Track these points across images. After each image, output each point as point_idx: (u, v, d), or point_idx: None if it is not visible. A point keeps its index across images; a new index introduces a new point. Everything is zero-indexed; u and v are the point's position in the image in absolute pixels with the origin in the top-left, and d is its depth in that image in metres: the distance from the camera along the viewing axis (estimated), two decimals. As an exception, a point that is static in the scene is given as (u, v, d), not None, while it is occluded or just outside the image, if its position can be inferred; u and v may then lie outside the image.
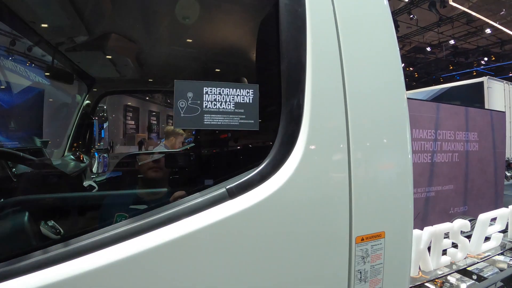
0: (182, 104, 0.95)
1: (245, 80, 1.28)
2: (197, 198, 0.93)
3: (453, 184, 6.69)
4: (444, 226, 3.02)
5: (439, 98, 11.43)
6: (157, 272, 0.84)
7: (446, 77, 20.81)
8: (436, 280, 2.83)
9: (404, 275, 1.22)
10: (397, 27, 12.38)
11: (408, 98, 1.28)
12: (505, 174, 11.09)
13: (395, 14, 12.13)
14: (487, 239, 3.53)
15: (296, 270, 1.00)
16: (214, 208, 0.91)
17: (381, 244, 1.11)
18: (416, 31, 15.56)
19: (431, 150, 6.10)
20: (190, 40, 1.86)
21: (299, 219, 0.99)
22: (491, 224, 3.54)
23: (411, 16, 12.71)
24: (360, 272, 1.09)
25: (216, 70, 1.78)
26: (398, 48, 1.23)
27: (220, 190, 0.94)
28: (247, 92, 1.01)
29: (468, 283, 2.81)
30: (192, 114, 0.96)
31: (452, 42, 16.50)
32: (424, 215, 5.87)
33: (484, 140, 7.45)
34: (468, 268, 3.04)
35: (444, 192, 6.48)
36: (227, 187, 0.94)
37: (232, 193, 0.94)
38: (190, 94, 0.96)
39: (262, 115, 1.02)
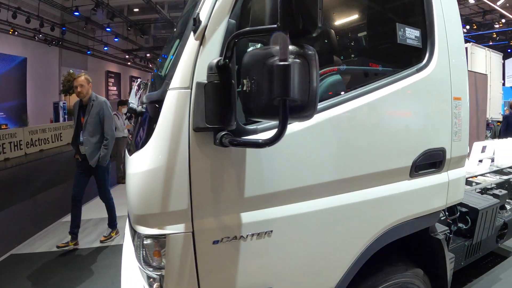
0: None
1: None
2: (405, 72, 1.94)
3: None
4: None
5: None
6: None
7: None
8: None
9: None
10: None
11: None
12: (486, 135, 12.30)
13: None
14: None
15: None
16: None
17: (460, 103, 2.05)
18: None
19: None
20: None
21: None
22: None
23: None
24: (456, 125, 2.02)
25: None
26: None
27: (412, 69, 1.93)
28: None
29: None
30: None
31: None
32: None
33: (469, 99, 8.38)
34: (468, 179, 4.04)
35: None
36: (417, 68, 1.93)
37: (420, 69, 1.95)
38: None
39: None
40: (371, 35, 2.15)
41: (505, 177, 4.11)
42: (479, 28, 20.04)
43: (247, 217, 1.50)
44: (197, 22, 1.39)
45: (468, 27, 19.42)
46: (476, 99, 8.76)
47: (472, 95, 8.55)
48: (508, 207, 3.77)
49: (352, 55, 2.19)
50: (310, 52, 1.16)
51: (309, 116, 1.22)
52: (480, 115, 8.95)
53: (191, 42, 1.40)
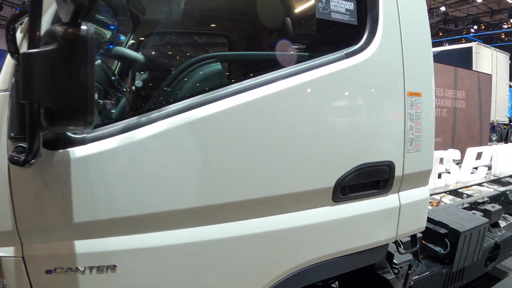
0: None
1: None
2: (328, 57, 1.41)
3: (441, 137, 7.09)
4: (439, 153, 3.52)
5: (430, 62, 11.84)
6: None
7: (435, 43, 21.25)
8: (431, 201, 3.32)
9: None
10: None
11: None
12: (491, 138, 11.75)
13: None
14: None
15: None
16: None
17: (419, 100, 1.55)
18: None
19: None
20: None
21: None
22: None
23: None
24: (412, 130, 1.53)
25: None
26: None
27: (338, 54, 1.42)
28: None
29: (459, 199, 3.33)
30: None
31: (443, 8, 16.81)
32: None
33: (471, 99, 7.90)
34: (459, 190, 3.56)
35: (433, 144, 7.06)
36: (345, 52, 1.42)
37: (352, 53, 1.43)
38: None
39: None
40: (281, 10, 1.67)
41: (502, 189, 3.62)
42: (487, 28, 19.41)
43: (82, 246, 1.21)
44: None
45: (476, 27, 18.83)
46: (479, 100, 8.26)
47: (475, 96, 8.07)
48: (503, 223, 3.28)
49: (255, 37, 1.70)
50: (76, 32, 0.86)
51: (83, 125, 0.95)
52: (483, 117, 8.46)
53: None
